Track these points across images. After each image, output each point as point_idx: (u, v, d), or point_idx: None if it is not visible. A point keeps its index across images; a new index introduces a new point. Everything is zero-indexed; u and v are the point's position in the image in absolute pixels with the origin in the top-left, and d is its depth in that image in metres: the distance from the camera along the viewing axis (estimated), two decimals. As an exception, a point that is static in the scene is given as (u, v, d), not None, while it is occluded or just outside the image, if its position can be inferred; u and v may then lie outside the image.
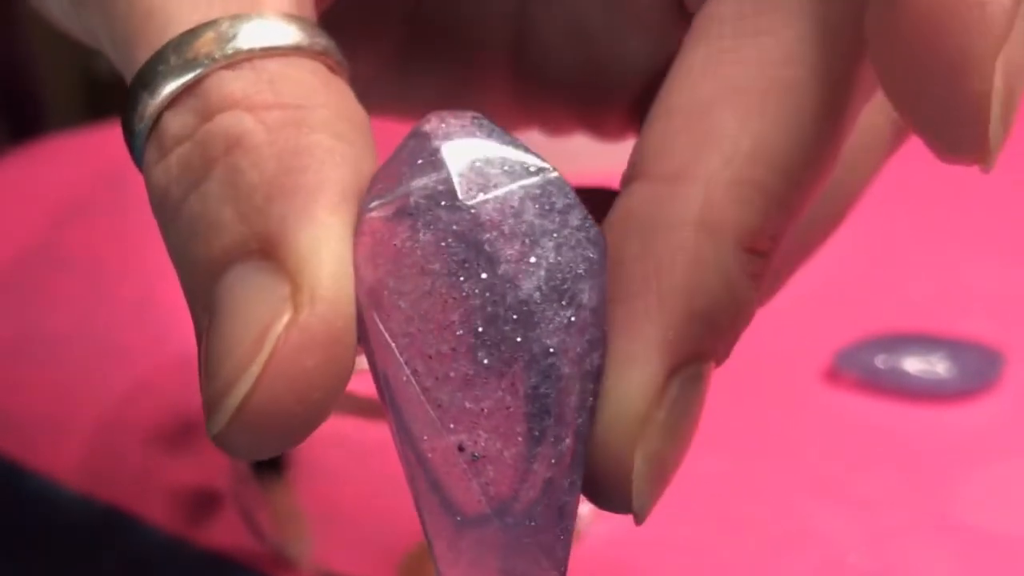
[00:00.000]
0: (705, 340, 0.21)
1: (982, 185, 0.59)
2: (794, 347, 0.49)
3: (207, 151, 0.20)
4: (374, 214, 0.20)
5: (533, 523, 0.20)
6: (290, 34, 0.21)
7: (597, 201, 0.22)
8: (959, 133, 0.19)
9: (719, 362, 0.21)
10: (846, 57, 0.21)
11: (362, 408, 0.32)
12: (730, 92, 0.21)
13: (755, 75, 0.21)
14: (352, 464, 0.39)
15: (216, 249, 0.19)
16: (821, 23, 0.21)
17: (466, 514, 0.20)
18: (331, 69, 0.21)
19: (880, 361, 0.47)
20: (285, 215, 0.19)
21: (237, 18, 0.20)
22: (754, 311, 0.21)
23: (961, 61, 0.18)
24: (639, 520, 0.21)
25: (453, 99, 0.29)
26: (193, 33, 0.20)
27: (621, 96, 0.28)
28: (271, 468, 0.40)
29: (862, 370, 0.47)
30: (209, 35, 0.20)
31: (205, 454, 0.44)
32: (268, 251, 0.19)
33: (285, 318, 0.19)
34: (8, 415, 0.46)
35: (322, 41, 0.21)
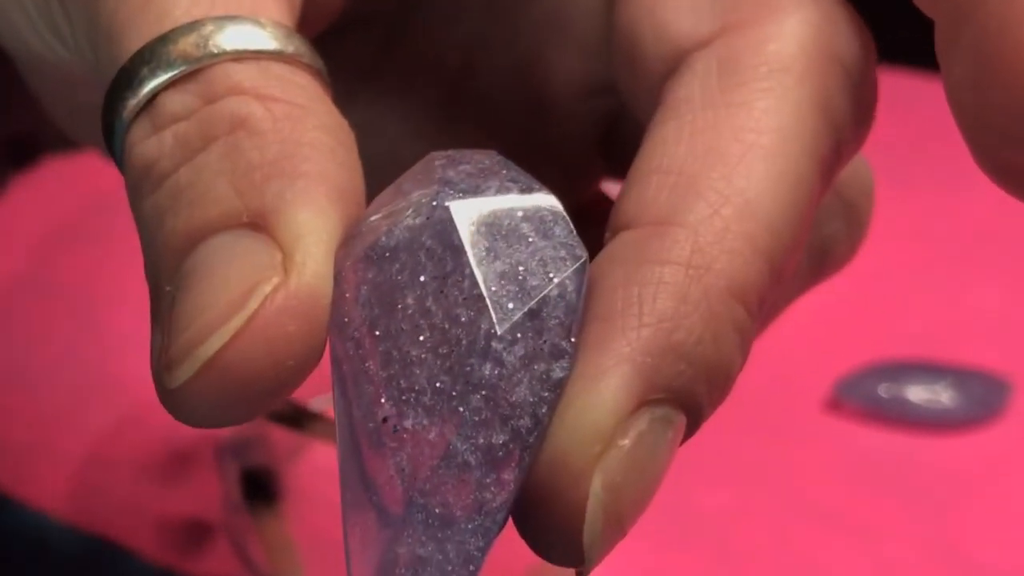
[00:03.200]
0: (682, 381, 0.20)
1: (988, 211, 0.58)
2: (795, 376, 0.49)
3: (209, 128, 0.20)
4: (363, 223, 0.20)
5: (446, 511, 0.19)
6: (290, 43, 0.21)
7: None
8: None
9: (692, 423, 0.21)
10: (814, 134, 0.21)
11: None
12: (710, 155, 0.21)
13: (733, 141, 0.21)
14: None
15: (200, 218, 0.19)
16: (788, 100, 0.21)
17: (382, 494, 0.19)
18: (321, 86, 0.22)
19: (883, 390, 0.46)
20: (282, 194, 0.19)
21: (239, 19, 0.21)
22: (737, 373, 0.21)
23: None
24: (585, 571, 0.20)
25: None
26: (196, 24, 0.20)
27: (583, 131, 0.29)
28: (262, 498, 0.40)
29: (864, 399, 0.47)
30: (210, 29, 0.20)
31: (196, 485, 0.43)
32: (260, 224, 0.19)
33: (275, 280, 0.19)
34: (-4, 444, 0.46)
35: (316, 58, 0.22)
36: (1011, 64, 0.18)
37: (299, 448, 0.40)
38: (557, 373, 0.19)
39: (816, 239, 0.26)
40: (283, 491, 0.40)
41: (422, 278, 0.19)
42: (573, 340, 0.20)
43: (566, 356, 0.19)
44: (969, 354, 0.49)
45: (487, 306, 0.19)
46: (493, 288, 0.19)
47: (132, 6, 0.21)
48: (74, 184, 0.59)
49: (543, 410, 0.19)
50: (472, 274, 0.19)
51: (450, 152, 0.21)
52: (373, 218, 0.20)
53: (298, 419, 0.35)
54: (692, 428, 0.21)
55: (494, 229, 0.20)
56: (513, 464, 0.19)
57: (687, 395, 0.20)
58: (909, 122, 0.62)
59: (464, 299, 0.19)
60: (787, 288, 0.26)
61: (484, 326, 0.19)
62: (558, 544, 0.19)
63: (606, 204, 0.29)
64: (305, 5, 0.23)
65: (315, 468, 0.39)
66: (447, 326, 0.19)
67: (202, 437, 0.44)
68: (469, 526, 0.19)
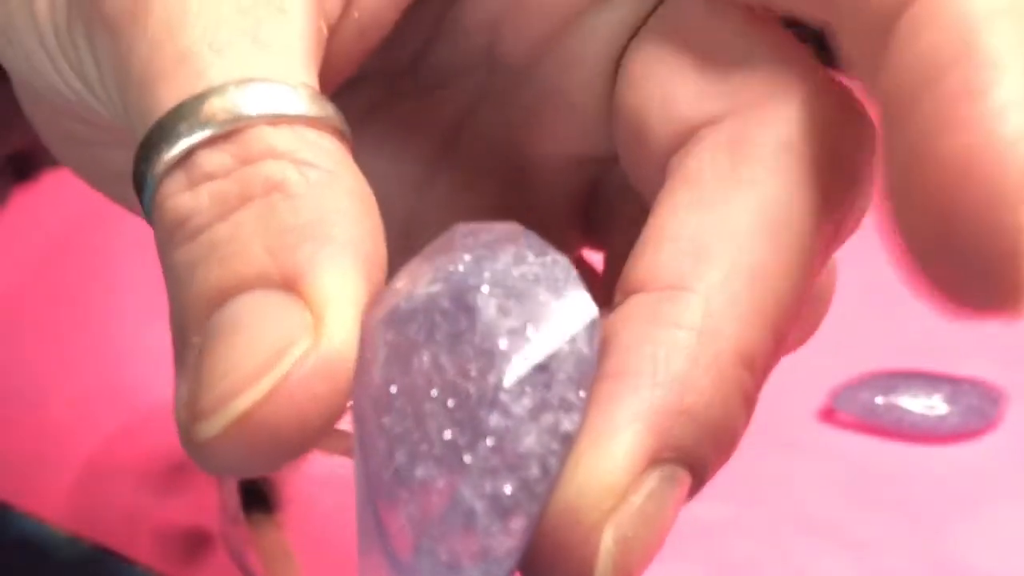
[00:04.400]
0: (691, 442, 0.21)
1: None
2: (790, 386, 0.48)
3: (246, 188, 0.20)
4: (387, 288, 0.21)
5: (453, 558, 0.20)
6: (320, 107, 0.21)
7: None
8: (990, 276, 0.19)
9: (697, 482, 0.21)
10: (816, 208, 0.22)
11: (353, 448, 0.32)
12: (721, 226, 0.22)
13: (744, 213, 0.22)
14: (343, 504, 0.39)
15: (233, 274, 0.20)
16: (794, 177, 0.22)
17: (394, 543, 0.20)
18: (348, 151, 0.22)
19: (878, 400, 0.46)
20: (314, 257, 0.20)
21: (272, 82, 0.21)
22: (741, 435, 0.22)
23: (997, 202, 0.18)
24: None
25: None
26: (235, 85, 0.21)
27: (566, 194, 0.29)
28: (261, 508, 0.40)
29: (860, 409, 0.46)
30: (252, 90, 0.21)
31: (195, 495, 0.43)
32: (290, 285, 0.20)
33: (304, 343, 0.19)
34: (-4, 455, 0.46)
35: (342, 121, 0.22)
36: (933, 183, 0.18)
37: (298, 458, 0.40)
38: (566, 426, 0.20)
39: None
40: (282, 501, 0.39)
41: (437, 336, 0.20)
42: (583, 395, 0.20)
43: (576, 409, 0.20)
44: (965, 365, 0.49)
45: (496, 360, 0.20)
46: (503, 343, 0.20)
47: (167, 59, 0.21)
48: (75, 196, 0.59)
49: (552, 461, 0.20)
50: (483, 330, 0.20)
51: (473, 224, 0.21)
52: (398, 285, 0.21)
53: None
54: (696, 487, 0.21)
55: (508, 291, 0.20)
56: (521, 513, 0.20)
57: (695, 456, 0.21)
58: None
59: (475, 354, 0.20)
60: None
61: (492, 379, 0.20)
62: None
63: (584, 269, 0.29)
64: (324, 66, 0.23)
65: (314, 478, 0.39)
66: (458, 380, 0.20)
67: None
68: (475, 573, 0.20)
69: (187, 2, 0.22)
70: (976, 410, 0.46)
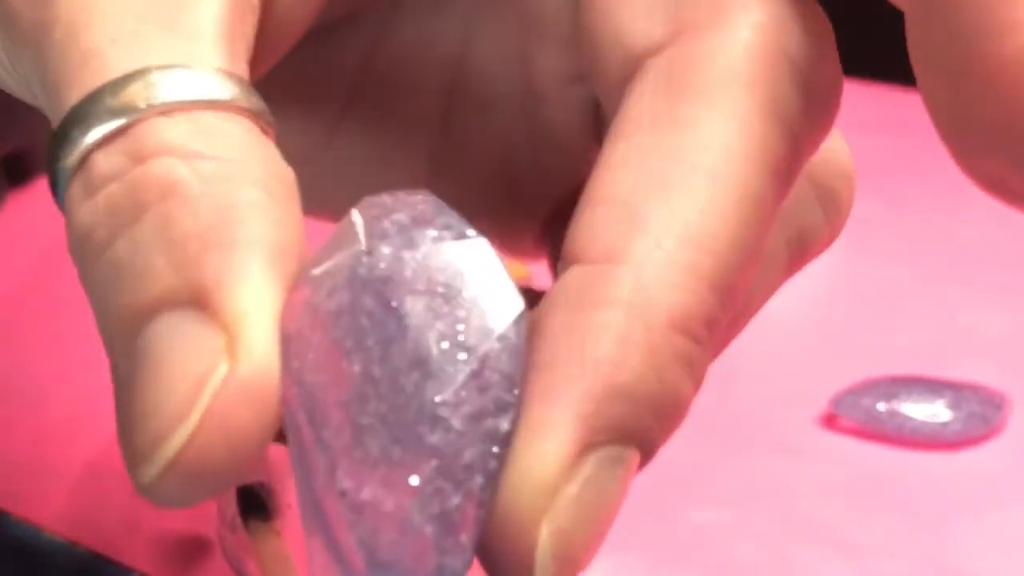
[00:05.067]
0: (627, 420, 0.20)
1: (986, 226, 0.58)
2: (791, 391, 0.49)
3: (139, 195, 0.20)
4: (304, 279, 0.20)
5: (409, 574, 0.19)
6: (226, 90, 0.21)
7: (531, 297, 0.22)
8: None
9: (646, 455, 0.21)
10: (763, 143, 0.21)
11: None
12: (654, 180, 0.21)
13: (677, 163, 0.21)
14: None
15: (144, 296, 0.20)
16: (735, 111, 0.21)
17: (348, 562, 0.20)
18: (262, 130, 0.21)
19: (880, 406, 0.46)
20: (221, 268, 0.19)
21: (172, 68, 0.21)
22: (689, 400, 0.21)
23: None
24: None
25: (372, 187, 0.30)
26: (129, 77, 0.20)
27: (534, 214, 0.29)
28: (259, 514, 0.39)
29: (861, 415, 0.46)
30: (144, 81, 0.20)
31: (192, 500, 0.43)
32: (202, 303, 0.19)
33: (222, 369, 0.19)
34: (-7, 460, 0.46)
35: (255, 100, 0.21)
36: (989, 75, 0.18)
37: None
38: (504, 426, 0.20)
39: (792, 230, 0.26)
40: (280, 507, 0.39)
41: (366, 342, 0.20)
42: (517, 392, 0.20)
43: (510, 408, 0.20)
44: (967, 370, 0.49)
45: (430, 372, 0.20)
46: (434, 351, 0.20)
47: (73, 62, 0.21)
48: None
49: (493, 464, 0.20)
50: (414, 337, 0.20)
51: (384, 199, 0.21)
52: (315, 272, 0.20)
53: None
54: (646, 459, 0.21)
55: (431, 285, 0.20)
56: (469, 524, 0.20)
57: (634, 432, 0.21)
58: (904, 138, 0.62)
59: (408, 365, 0.20)
60: (767, 280, 0.26)
61: (429, 393, 0.19)
62: None
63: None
64: (262, 29, 0.23)
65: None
66: (394, 394, 0.19)
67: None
68: None
69: (94, 2, 0.21)
70: (978, 416, 0.46)
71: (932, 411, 0.46)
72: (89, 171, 0.20)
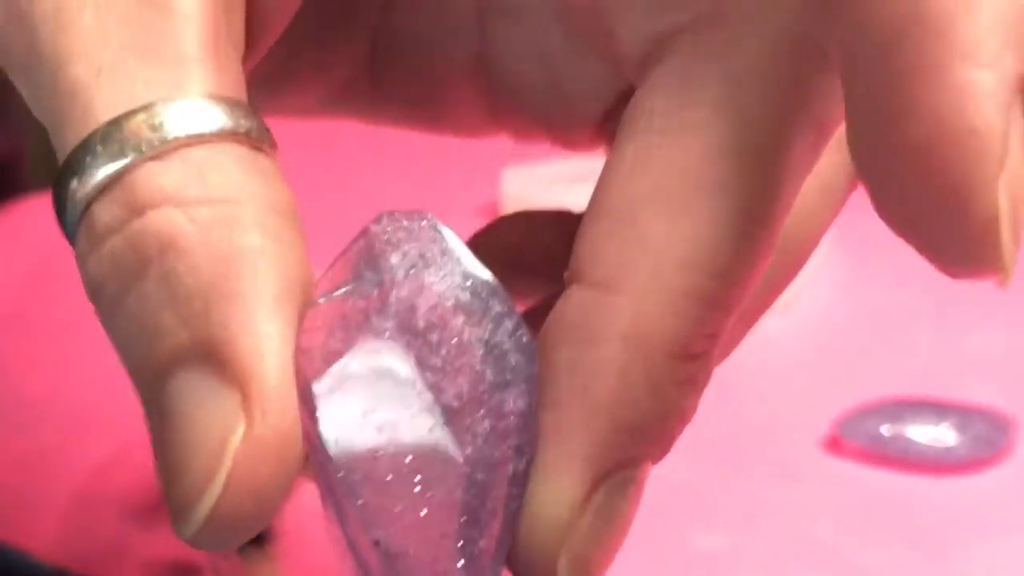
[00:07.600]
0: (632, 449, 0.21)
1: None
2: (795, 414, 0.48)
3: (140, 250, 0.20)
4: (320, 307, 0.21)
5: None
6: (216, 118, 0.21)
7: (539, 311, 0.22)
8: (971, 254, 0.19)
9: (656, 460, 0.22)
10: (774, 147, 0.21)
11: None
12: (659, 193, 0.21)
13: (682, 174, 0.21)
14: (335, 536, 0.39)
15: (160, 353, 0.20)
16: (745, 115, 0.21)
17: None
18: (258, 150, 0.21)
19: (885, 429, 0.46)
20: (226, 322, 0.20)
21: (162, 103, 0.20)
22: (691, 412, 0.22)
23: (964, 189, 0.18)
24: None
25: (423, 107, 0.30)
26: (117, 123, 0.20)
27: (586, 113, 0.28)
28: (253, 540, 0.39)
29: (866, 438, 0.46)
30: (134, 123, 0.20)
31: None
32: (212, 358, 0.20)
33: (240, 430, 0.19)
34: (-19, 485, 0.46)
35: (248, 123, 0.21)
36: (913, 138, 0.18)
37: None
38: (523, 466, 0.21)
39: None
40: (274, 533, 0.39)
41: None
42: (531, 434, 0.21)
43: (528, 447, 0.21)
44: (972, 393, 0.49)
45: (454, 432, 0.20)
46: (455, 408, 0.20)
47: (62, 96, 0.21)
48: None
49: (513, 506, 0.21)
50: (430, 397, 0.20)
51: (387, 226, 0.21)
52: (324, 302, 0.20)
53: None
54: (656, 461, 0.22)
55: (445, 334, 0.20)
56: (492, 559, 0.21)
57: (643, 455, 0.21)
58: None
59: (430, 429, 0.20)
60: (826, 212, 0.26)
61: (454, 454, 0.20)
62: None
63: None
64: (249, 30, 0.22)
65: (306, 509, 0.39)
66: (418, 457, 0.20)
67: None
68: None
69: (72, 26, 0.21)
70: (984, 439, 0.46)
71: (937, 434, 0.46)
72: (91, 223, 0.20)
